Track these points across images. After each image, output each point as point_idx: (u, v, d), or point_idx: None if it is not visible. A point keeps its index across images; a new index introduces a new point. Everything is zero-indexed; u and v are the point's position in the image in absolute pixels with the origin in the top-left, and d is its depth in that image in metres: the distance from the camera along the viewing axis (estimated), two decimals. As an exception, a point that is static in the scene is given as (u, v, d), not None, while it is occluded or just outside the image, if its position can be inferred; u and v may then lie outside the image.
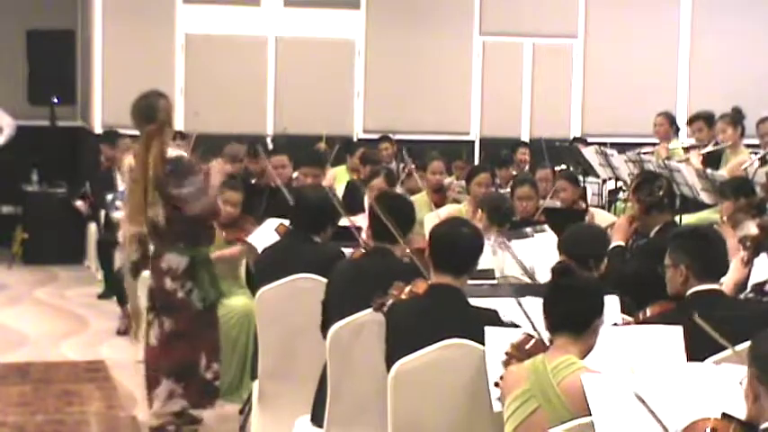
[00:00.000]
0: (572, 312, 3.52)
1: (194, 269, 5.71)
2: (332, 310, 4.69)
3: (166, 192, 5.58)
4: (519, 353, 3.61)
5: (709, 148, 8.87)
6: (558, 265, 3.66)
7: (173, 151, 5.67)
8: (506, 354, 3.65)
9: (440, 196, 8.23)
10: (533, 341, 3.63)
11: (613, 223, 6.28)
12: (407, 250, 4.87)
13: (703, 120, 9.21)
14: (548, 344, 3.60)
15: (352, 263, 4.93)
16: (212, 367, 5.75)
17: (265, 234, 6.16)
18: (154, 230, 5.68)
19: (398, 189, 9.02)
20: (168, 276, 5.68)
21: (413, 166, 8.79)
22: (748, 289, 5.02)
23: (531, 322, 3.75)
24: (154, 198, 5.59)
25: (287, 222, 5.93)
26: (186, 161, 5.69)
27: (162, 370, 5.69)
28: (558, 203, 8.07)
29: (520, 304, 3.89)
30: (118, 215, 8.65)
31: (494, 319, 4.02)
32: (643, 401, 2.92)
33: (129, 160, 5.83)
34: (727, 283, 4.74)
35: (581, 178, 8.11)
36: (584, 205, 7.90)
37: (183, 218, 5.62)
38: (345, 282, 4.74)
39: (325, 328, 4.73)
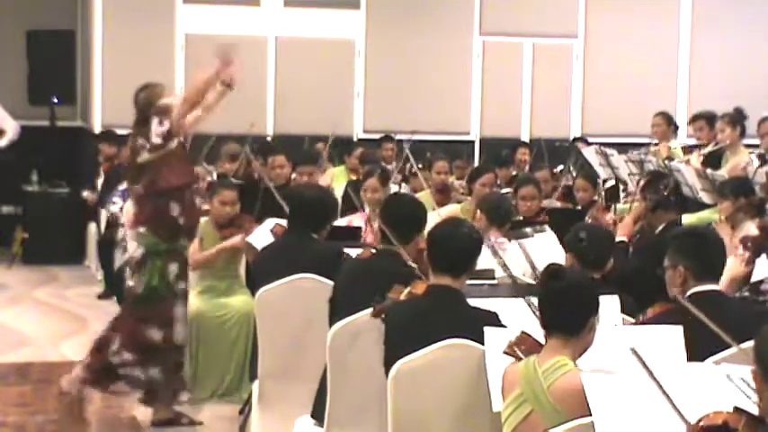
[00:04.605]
0: (565, 314, 3.50)
1: (146, 259, 5.81)
2: (338, 309, 4.70)
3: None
4: (515, 352, 3.60)
5: (709, 149, 8.87)
6: (547, 268, 3.63)
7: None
8: (504, 353, 3.64)
9: (443, 196, 8.25)
10: (529, 341, 3.62)
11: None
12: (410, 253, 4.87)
13: (705, 119, 9.20)
14: (543, 343, 3.58)
15: (360, 262, 4.93)
16: (121, 354, 5.80)
17: (265, 234, 6.16)
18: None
19: (404, 188, 9.06)
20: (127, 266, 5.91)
21: (420, 166, 8.83)
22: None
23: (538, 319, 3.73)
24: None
25: (284, 223, 5.93)
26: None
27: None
28: (557, 203, 8.09)
29: (530, 304, 3.89)
30: (113, 209, 8.73)
31: (493, 320, 4.01)
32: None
33: None
34: (722, 281, 4.74)
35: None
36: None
37: (151, 199, 5.73)
38: (352, 281, 4.75)
39: (333, 325, 4.74)
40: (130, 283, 5.93)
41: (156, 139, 5.68)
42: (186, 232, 5.93)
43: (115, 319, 5.98)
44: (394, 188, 8.67)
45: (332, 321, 4.74)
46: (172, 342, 5.88)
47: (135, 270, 5.87)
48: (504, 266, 4.67)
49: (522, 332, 3.66)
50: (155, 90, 5.87)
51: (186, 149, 5.92)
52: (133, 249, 5.89)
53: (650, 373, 2.90)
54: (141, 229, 5.84)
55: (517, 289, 4.32)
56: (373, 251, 5.04)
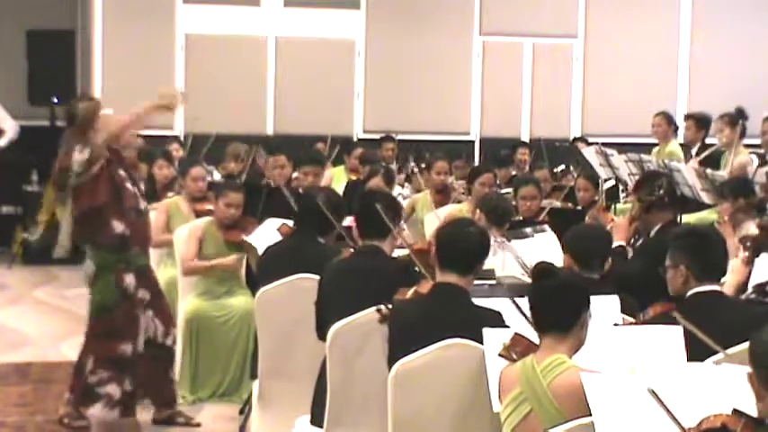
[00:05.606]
0: (557, 312, 3.51)
1: (98, 274, 5.70)
2: (325, 311, 4.70)
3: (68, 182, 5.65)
4: (510, 355, 3.60)
5: (702, 150, 8.93)
6: (537, 266, 3.64)
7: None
8: (499, 355, 3.64)
9: (443, 196, 8.26)
10: (525, 342, 3.61)
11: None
12: (408, 251, 4.87)
13: (694, 120, 9.30)
14: (537, 343, 3.59)
15: (343, 262, 4.92)
16: (97, 373, 5.67)
17: (266, 234, 6.15)
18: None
19: (407, 189, 9.05)
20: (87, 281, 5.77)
21: (422, 166, 8.83)
22: (749, 290, 5.01)
23: (529, 321, 3.74)
24: (58, 198, 5.68)
25: (290, 223, 5.92)
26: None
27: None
28: (557, 203, 8.09)
29: (515, 304, 3.89)
30: None
31: (497, 320, 4.01)
32: (657, 397, 2.91)
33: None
34: (728, 284, 4.72)
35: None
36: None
37: (83, 216, 5.68)
38: (337, 281, 4.74)
39: (319, 328, 4.74)
40: (90, 297, 5.79)
41: (78, 168, 5.62)
42: (139, 242, 5.75)
43: (85, 339, 5.83)
44: (397, 188, 8.69)
45: (318, 322, 4.76)
46: (137, 353, 5.76)
47: (92, 285, 5.74)
48: (499, 269, 4.68)
49: (517, 334, 3.65)
50: (97, 107, 5.74)
51: (112, 166, 5.66)
52: (88, 265, 5.73)
53: (669, 414, 2.89)
54: (88, 246, 5.76)
55: (515, 289, 4.32)
56: (352, 250, 5.04)
